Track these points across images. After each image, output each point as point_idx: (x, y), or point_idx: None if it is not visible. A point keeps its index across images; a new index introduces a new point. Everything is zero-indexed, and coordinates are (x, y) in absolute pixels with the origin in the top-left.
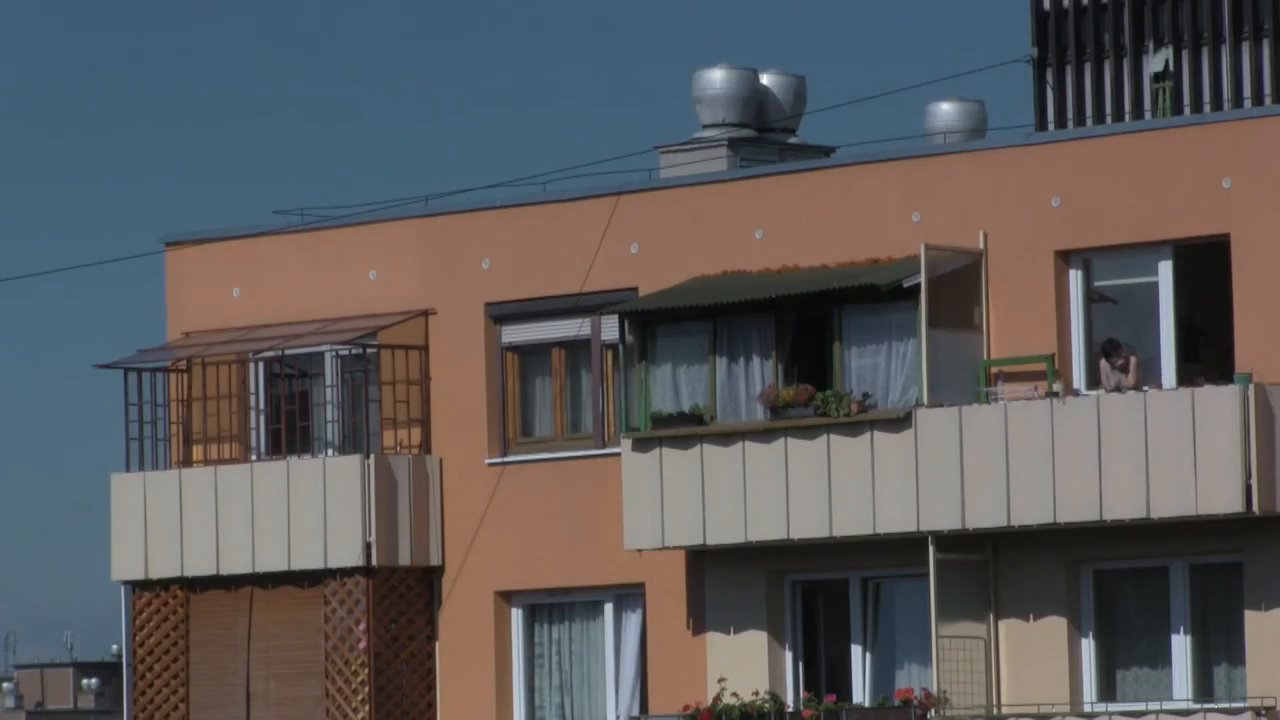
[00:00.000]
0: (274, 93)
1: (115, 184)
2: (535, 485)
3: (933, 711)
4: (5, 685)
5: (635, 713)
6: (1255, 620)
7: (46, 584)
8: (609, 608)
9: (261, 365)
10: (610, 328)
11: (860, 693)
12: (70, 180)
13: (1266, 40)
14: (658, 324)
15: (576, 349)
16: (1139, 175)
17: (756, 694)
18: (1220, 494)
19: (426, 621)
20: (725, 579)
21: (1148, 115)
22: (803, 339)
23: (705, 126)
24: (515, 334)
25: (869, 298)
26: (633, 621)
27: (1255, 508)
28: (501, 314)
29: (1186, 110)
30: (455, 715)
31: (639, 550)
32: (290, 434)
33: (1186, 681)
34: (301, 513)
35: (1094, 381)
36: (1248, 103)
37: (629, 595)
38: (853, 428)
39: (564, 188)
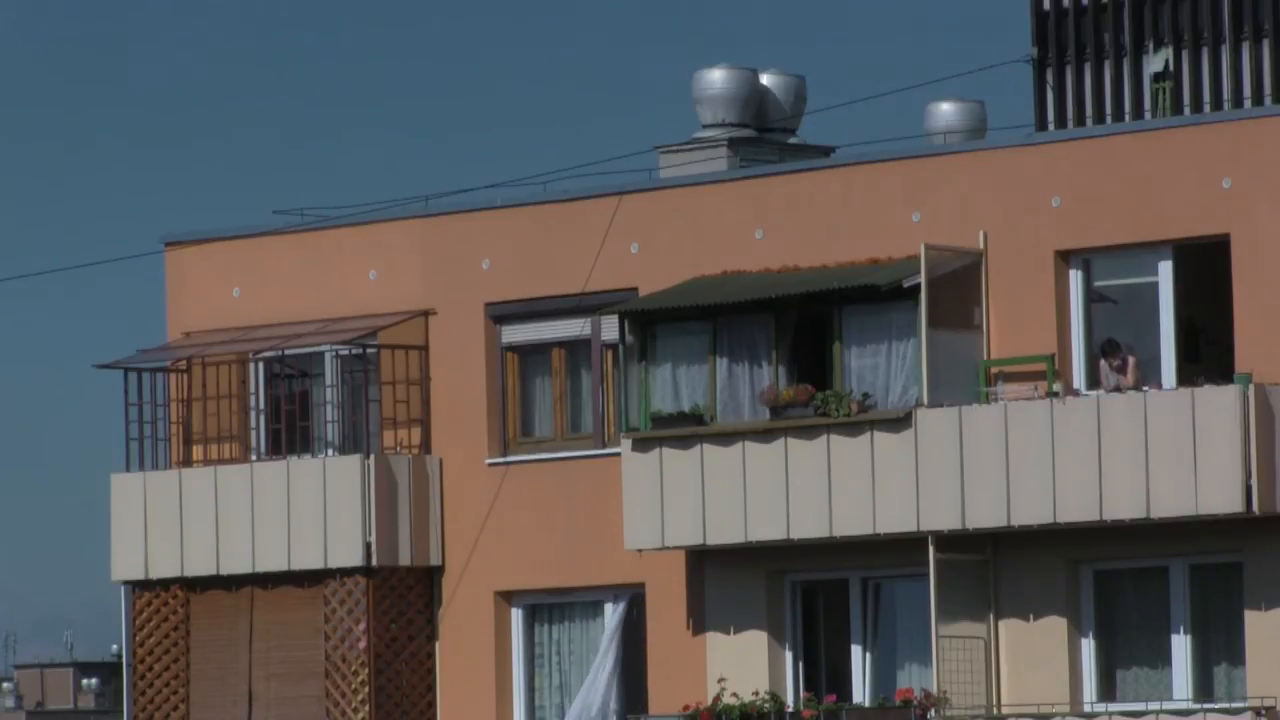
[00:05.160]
0: (274, 93)
1: (115, 184)
2: (535, 485)
3: (933, 711)
4: (5, 685)
5: (614, 707)
6: (1255, 620)
7: (46, 584)
8: (609, 608)
9: (261, 365)
10: (610, 328)
11: (860, 693)
12: (70, 180)
13: (1266, 40)
14: (658, 324)
15: (576, 349)
16: (1139, 175)
17: (756, 694)
18: (1220, 494)
19: (426, 621)
20: (725, 579)
21: (1148, 115)
22: (803, 339)
23: (705, 126)
24: (515, 334)
25: (869, 298)
26: (615, 622)
27: (1255, 508)
28: (501, 314)
29: (1186, 110)
30: (455, 715)
31: (639, 550)
32: (290, 434)
33: (1186, 681)
34: (301, 513)
35: (1094, 381)
36: (1248, 103)
37: (629, 595)
38: (853, 428)
39: (564, 188)
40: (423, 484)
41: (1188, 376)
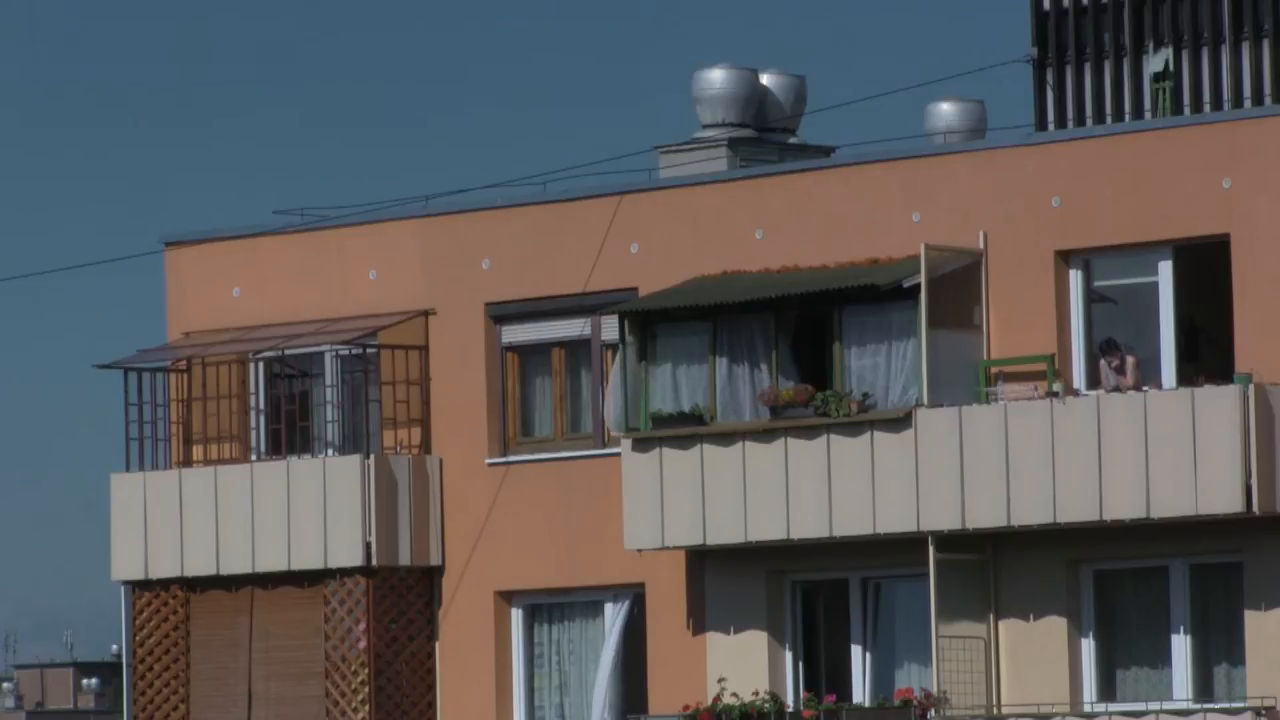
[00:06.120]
0: (274, 92)
1: (115, 184)
2: (535, 485)
3: (933, 711)
4: (5, 685)
5: (620, 711)
6: (1255, 620)
7: (46, 584)
8: (609, 608)
9: (261, 365)
10: (610, 328)
11: (860, 693)
12: (70, 180)
13: (1266, 40)
14: (658, 324)
15: (576, 349)
16: (1139, 175)
17: (756, 694)
18: (1220, 494)
19: (426, 621)
20: (725, 579)
21: (1148, 115)
22: (803, 339)
23: (705, 126)
24: (515, 334)
25: (869, 298)
26: (619, 622)
27: (1255, 508)
28: (501, 314)
29: (1186, 110)
30: (455, 715)
31: (639, 550)
32: (290, 434)
33: (1186, 681)
34: (301, 513)
35: (1094, 381)
36: (1248, 103)
37: (629, 595)
38: (853, 428)
39: (564, 188)
40: (423, 484)
41: (1188, 376)
